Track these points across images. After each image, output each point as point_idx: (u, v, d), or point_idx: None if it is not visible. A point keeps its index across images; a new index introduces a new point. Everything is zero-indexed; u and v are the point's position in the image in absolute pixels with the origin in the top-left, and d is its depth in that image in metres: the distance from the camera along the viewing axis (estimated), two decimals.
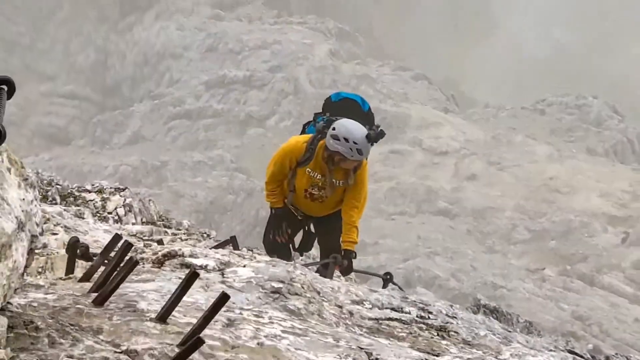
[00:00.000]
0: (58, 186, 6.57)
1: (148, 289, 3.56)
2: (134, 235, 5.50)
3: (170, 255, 4.37)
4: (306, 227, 8.17)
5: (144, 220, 6.94)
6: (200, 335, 2.89)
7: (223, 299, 2.86)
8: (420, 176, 54.82)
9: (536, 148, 61.18)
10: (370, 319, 4.36)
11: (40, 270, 3.82)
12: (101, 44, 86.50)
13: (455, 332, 4.48)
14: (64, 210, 5.59)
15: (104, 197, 6.61)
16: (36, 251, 3.47)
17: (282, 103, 67.61)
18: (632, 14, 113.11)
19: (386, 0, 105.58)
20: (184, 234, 7.28)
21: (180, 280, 3.04)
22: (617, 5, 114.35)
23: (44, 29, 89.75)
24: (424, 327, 4.45)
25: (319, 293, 4.25)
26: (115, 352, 2.66)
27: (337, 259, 7.42)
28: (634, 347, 37.71)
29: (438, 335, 4.39)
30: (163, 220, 7.88)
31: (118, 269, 3.24)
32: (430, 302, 5.39)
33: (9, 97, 2.50)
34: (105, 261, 3.51)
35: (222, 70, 74.09)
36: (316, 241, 8.29)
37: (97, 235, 5.10)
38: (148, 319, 3.06)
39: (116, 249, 3.48)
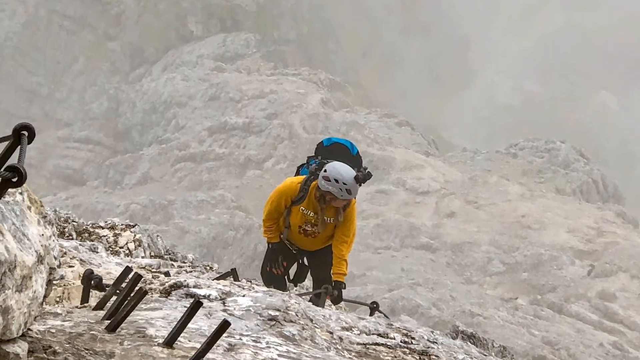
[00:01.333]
0: (74, 223, 6.56)
1: (156, 316, 3.56)
2: (143, 268, 5.50)
3: (176, 286, 4.36)
4: (300, 260, 8.15)
5: (152, 254, 6.93)
6: (204, 358, 2.90)
7: (224, 325, 2.87)
8: (403, 214, 54.84)
9: (509, 188, 61.33)
10: (358, 344, 4.35)
11: (58, 299, 3.82)
12: (113, 94, 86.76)
13: (436, 355, 4.48)
14: (80, 244, 5.58)
15: (115, 233, 6.60)
16: (54, 282, 3.47)
17: (278, 147, 67.72)
18: (595, 67, 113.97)
19: (373, 54, 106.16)
20: (189, 266, 7.26)
21: (186, 309, 3.05)
22: (581, 59, 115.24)
23: (62, 80, 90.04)
24: (408, 351, 4.44)
25: (311, 320, 4.25)
26: None
27: (329, 289, 7.42)
28: None
29: (420, 358, 4.38)
30: (170, 254, 7.86)
31: (129, 298, 3.24)
32: (413, 329, 5.37)
33: (29, 142, 2.52)
34: (117, 291, 3.51)
35: (223, 117, 74.22)
36: (309, 273, 8.26)
37: (109, 268, 5.10)
38: (156, 344, 3.07)
39: (127, 280, 3.48)
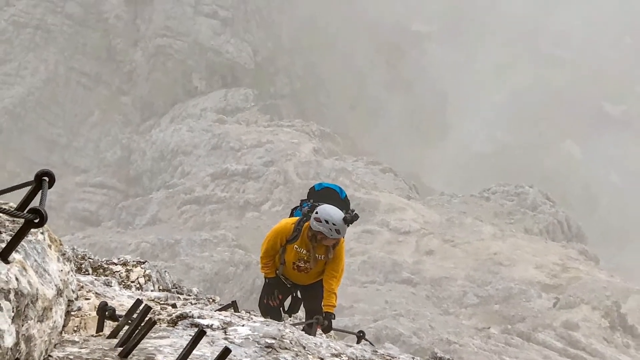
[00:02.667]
0: (90, 260, 6.55)
1: (164, 344, 3.54)
2: (153, 300, 5.49)
3: (182, 317, 4.35)
4: (294, 294, 8.13)
5: (161, 287, 6.90)
6: None
7: (225, 352, 2.87)
8: (387, 251, 54.82)
9: (483, 228, 61.37)
10: None
11: (75, 328, 3.81)
12: (126, 143, 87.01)
13: None
14: (95, 279, 5.57)
15: (127, 268, 6.59)
16: (72, 313, 3.46)
17: (274, 192, 67.70)
18: (561, 119, 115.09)
19: (360, 107, 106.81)
20: (194, 299, 7.22)
21: (191, 337, 3.04)
22: (548, 111, 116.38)
23: (79, 131, 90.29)
24: None
25: (304, 347, 4.23)
26: None
27: (320, 320, 7.40)
28: None
29: None
30: (176, 288, 7.83)
31: (139, 327, 3.24)
32: (396, 355, 5.35)
33: (49, 187, 2.55)
34: (129, 321, 3.50)
35: (225, 164, 74.30)
36: (302, 305, 8.23)
37: (122, 300, 5.08)
38: None
39: (138, 311, 3.48)
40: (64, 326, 3.17)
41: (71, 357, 3.06)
